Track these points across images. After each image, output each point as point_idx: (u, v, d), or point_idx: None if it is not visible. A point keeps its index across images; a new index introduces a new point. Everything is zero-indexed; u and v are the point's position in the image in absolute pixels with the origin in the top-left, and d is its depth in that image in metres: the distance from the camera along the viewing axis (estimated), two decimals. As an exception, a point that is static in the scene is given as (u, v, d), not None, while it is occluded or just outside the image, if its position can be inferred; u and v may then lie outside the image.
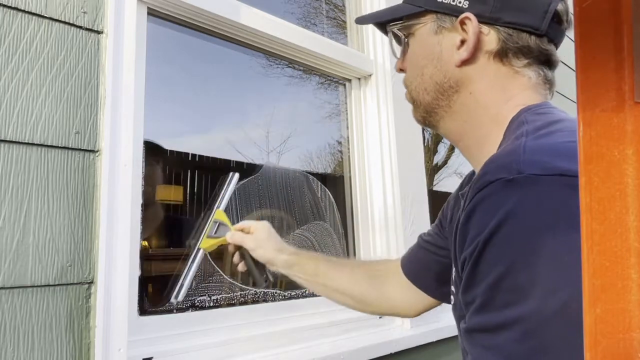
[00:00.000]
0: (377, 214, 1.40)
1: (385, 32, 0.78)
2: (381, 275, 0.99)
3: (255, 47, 1.25)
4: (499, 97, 0.65)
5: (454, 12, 0.65)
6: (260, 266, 0.93)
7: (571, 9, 0.27)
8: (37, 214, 0.75)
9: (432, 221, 1.46)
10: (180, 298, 0.92)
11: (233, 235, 0.96)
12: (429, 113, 0.71)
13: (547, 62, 0.67)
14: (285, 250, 0.95)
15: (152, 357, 0.87)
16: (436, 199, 1.65)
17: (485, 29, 0.64)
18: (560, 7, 0.64)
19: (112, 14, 0.86)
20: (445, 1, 0.66)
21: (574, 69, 0.26)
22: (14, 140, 0.74)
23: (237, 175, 1.06)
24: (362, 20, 0.82)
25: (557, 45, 0.67)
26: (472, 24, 0.63)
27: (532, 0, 0.64)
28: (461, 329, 0.56)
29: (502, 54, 0.64)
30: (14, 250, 0.72)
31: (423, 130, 1.55)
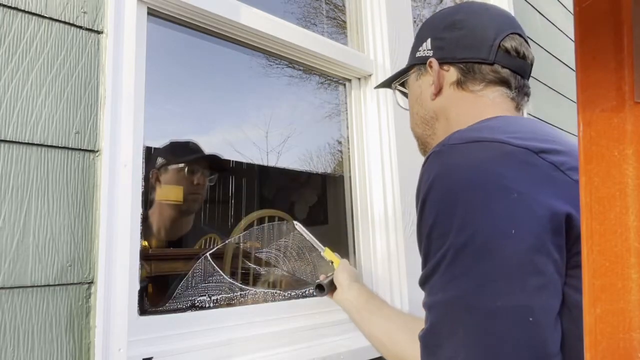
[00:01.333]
0: (377, 214, 1.40)
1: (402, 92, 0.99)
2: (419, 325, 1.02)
3: (255, 47, 1.25)
4: (469, 117, 0.78)
5: (425, 60, 0.85)
6: (330, 284, 1.09)
7: (571, 8, 0.27)
8: (37, 214, 0.75)
9: (432, 221, 1.46)
10: (297, 227, 1.24)
11: (344, 262, 1.15)
12: (424, 144, 0.90)
13: (505, 83, 0.80)
14: (360, 284, 1.08)
15: (152, 357, 0.87)
16: (436, 199, 1.65)
17: (446, 67, 0.82)
18: (507, 42, 0.79)
19: (112, 14, 0.86)
20: (419, 55, 0.86)
21: (574, 69, 0.26)
22: (14, 140, 0.74)
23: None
24: (379, 86, 1.06)
25: (518, 71, 0.80)
26: (434, 65, 0.82)
27: (478, 39, 0.80)
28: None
29: (461, 83, 0.81)
30: (14, 250, 0.72)
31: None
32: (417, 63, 0.87)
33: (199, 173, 2.20)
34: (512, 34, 0.80)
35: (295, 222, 1.25)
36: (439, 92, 0.83)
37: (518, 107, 0.82)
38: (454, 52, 0.81)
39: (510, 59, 0.80)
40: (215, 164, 2.42)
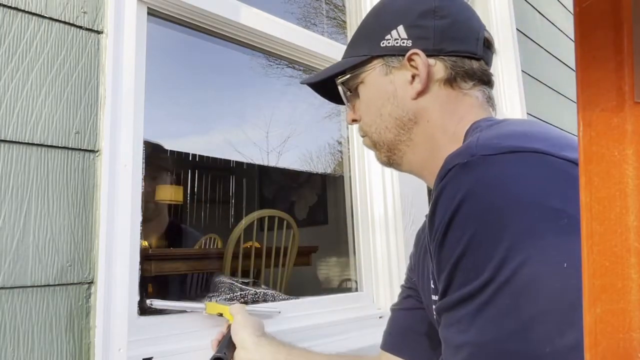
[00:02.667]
0: (377, 214, 1.40)
1: (327, 94, 0.84)
2: None
3: (255, 47, 1.25)
4: (452, 118, 0.70)
5: (399, 52, 0.71)
6: (225, 348, 0.87)
7: (571, 8, 0.27)
8: (37, 214, 0.75)
9: (432, 221, 1.46)
10: (154, 305, 0.92)
11: (235, 307, 0.93)
12: (392, 151, 0.75)
13: (488, 82, 0.73)
14: (263, 337, 0.89)
15: (152, 357, 0.87)
16: (436, 199, 1.65)
17: (431, 60, 0.70)
18: (486, 34, 0.72)
19: (112, 14, 0.86)
20: (389, 44, 0.72)
21: (574, 69, 0.26)
22: (14, 140, 0.74)
23: (278, 312, 1.06)
24: (306, 81, 0.85)
25: (489, 67, 0.74)
26: (421, 58, 0.69)
27: (464, 30, 0.71)
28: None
29: (451, 80, 0.70)
30: (14, 250, 0.72)
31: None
32: (384, 54, 0.72)
33: (157, 175, 2.13)
34: (484, 26, 0.74)
35: (149, 302, 0.94)
36: (424, 90, 0.70)
37: (493, 108, 0.74)
38: (440, 43, 0.70)
39: (489, 54, 0.74)
40: (163, 165, 2.35)
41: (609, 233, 0.24)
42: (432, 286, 0.68)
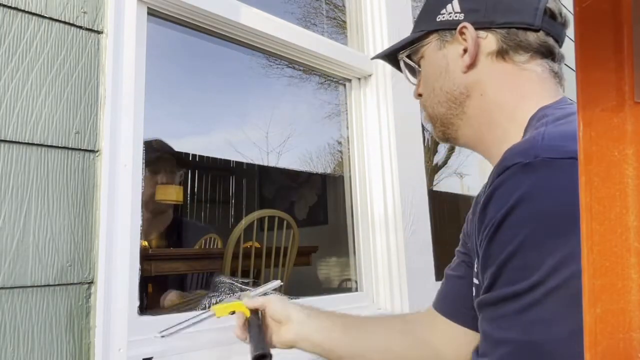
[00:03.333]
0: (377, 214, 1.40)
1: (398, 67, 0.85)
2: (419, 326, 0.88)
3: (255, 47, 1.25)
4: (511, 95, 0.68)
5: (452, 26, 0.72)
6: (263, 337, 0.82)
7: (571, 8, 0.26)
8: (37, 214, 0.75)
9: (432, 221, 1.46)
10: (166, 334, 0.88)
11: (251, 299, 0.89)
12: (446, 125, 0.76)
13: (550, 54, 0.70)
14: (307, 308, 0.87)
15: (152, 357, 0.87)
16: (436, 199, 1.65)
17: (482, 33, 0.70)
18: (550, 4, 0.69)
19: (112, 14, 0.86)
20: (443, 19, 0.73)
21: (574, 69, 0.26)
22: (14, 140, 0.74)
23: (279, 282, 1.02)
24: (376, 56, 0.89)
25: (558, 40, 0.71)
26: (469, 31, 0.69)
27: (520, 1, 0.69)
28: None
29: (502, 53, 0.69)
30: (14, 250, 0.72)
31: (423, 130, 1.55)
32: (439, 29, 0.74)
33: (161, 173, 2.15)
34: None
35: (161, 334, 0.89)
36: (473, 63, 0.70)
37: (561, 84, 0.71)
38: (492, 15, 0.69)
39: (555, 25, 0.70)
40: (179, 160, 2.37)
41: (609, 233, 0.24)
42: (475, 270, 0.67)
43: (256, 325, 0.84)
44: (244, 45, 1.23)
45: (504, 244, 0.52)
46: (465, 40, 0.70)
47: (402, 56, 0.80)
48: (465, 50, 0.70)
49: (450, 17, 0.72)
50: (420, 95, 0.80)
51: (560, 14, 0.71)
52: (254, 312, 0.87)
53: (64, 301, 0.75)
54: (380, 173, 1.40)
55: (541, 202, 0.50)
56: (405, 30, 1.52)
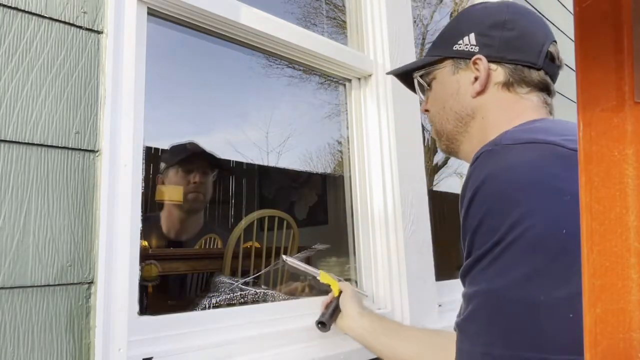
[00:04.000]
0: (377, 214, 1.40)
1: (409, 85, 0.96)
2: (451, 338, 0.97)
3: (255, 47, 1.25)
4: (506, 117, 0.78)
5: (467, 55, 0.82)
6: (333, 314, 1.06)
7: (571, 8, 0.27)
8: (37, 214, 0.75)
9: (432, 221, 1.46)
10: (287, 260, 1.18)
11: (344, 284, 1.12)
12: (451, 140, 0.87)
13: (547, 89, 0.82)
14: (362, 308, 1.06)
15: (152, 357, 0.87)
16: (436, 199, 1.65)
17: (493, 66, 0.80)
18: (551, 48, 0.81)
19: (112, 14, 0.86)
20: (460, 49, 0.83)
21: (574, 69, 0.26)
22: (14, 140, 0.74)
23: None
24: (391, 72, 1.00)
25: (553, 78, 0.83)
26: (483, 63, 0.80)
27: (528, 42, 0.80)
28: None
29: (508, 84, 0.80)
30: (14, 250, 0.72)
31: (423, 130, 1.56)
32: (454, 56, 0.84)
33: (194, 172, 2.19)
34: (553, 41, 0.82)
35: (284, 257, 1.21)
36: (482, 90, 0.81)
37: (551, 113, 0.83)
38: (503, 52, 0.79)
39: (553, 67, 0.82)
40: (212, 161, 2.42)
41: (609, 233, 0.24)
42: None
43: (334, 305, 1.08)
44: (244, 45, 1.23)
45: (473, 216, 0.63)
46: (477, 69, 0.81)
47: (417, 75, 0.91)
48: (476, 79, 0.81)
49: (466, 48, 0.82)
50: (427, 110, 0.91)
51: (558, 57, 0.82)
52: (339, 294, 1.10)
53: (64, 301, 0.75)
54: (380, 173, 1.40)
55: (500, 178, 0.62)
56: (405, 31, 1.52)
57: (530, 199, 0.59)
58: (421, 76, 0.90)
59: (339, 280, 1.14)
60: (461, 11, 0.90)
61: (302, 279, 1.30)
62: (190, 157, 2.24)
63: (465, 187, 0.66)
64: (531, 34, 0.81)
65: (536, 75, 0.79)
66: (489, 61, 0.80)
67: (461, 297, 0.66)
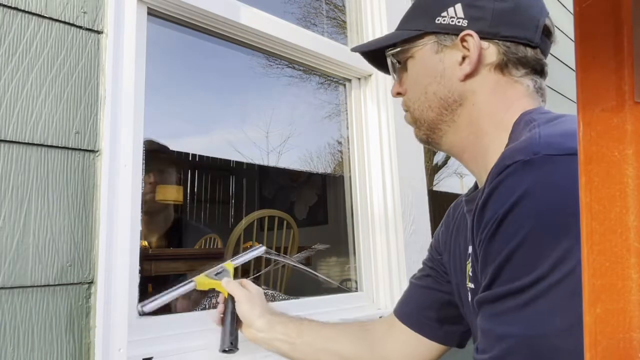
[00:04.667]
0: (377, 214, 1.40)
1: (378, 64, 0.82)
2: (375, 331, 0.91)
3: (255, 47, 1.25)
4: (500, 105, 0.68)
5: (454, 31, 0.69)
6: (234, 329, 0.87)
7: (571, 8, 0.27)
8: (37, 214, 0.75)
9: (432, 221, 1.46)
10: (147, 310, 0.88)
11: (229, 283, 0.92)
12: (432, 130, 0.74)
13: (541, 72, 0.70)
14: (270, 314, 0.90)
15: (152, 357, 0.87)
16: (436, 199, 1.65)
17: (484, 43, 0.67)
18: (547, 21, 0.69)
19: (112, 14, 0.86)
20: (444, 22, 0.69)
21: (574, 69, 0.26)
22: (14, 140, 0.74)
23: (264, 248, 1.06)
24: (357, 49, 0.83)
25: (545, 57, 0.72)
26: (474, 40, 0.67)
27: (524, 16, 0.68)
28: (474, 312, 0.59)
29: (502, 66, 0.68)
30: (14, 250, 0.72)
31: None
32: (438, 32, 0.70)
33: (149, 172, 2.14)
34: (547, 13, 0.71)
35: (140, 307, 0.89)
36: (472, 72, 0.68)
37: (544, 99, 0.72)
38: (497, 27, 0.67)
39: (547, 43, 0.70)
40: (170, 158, 2.34)
41: (609, 233, 0.24)
42: (470, 274, 0.68)
43: (230, 312, 0.88)
44: (244, 45, 1.23)
45: (505, 241, 0.52)
46: (466, 48, 0.68)
47: (390, 52, 0.77)
48: (464, 58, 0.68)
49: (452, 21, 0.69)
50: (399, 94, 0.78)
51: (553, 31, 0.71)
52: (231, 296, 0.90)
53: (64, 301, 0.75)
54: (380, 173, 1.40)
55: (543, 198, 0.50)
56: (405, 30, 1.52)
57: (578, 231, 0.52)
58: (395, 54, 0.76)
59: (221, 279, 0.93)
60: None
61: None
62: (150, 157, 2.18)
63: (487, 200, 0.54)
64: (528, 5, 0.69)
65: (532, 54, 0.68)
66: (481, 38, 0.67)
67: (479, 328, 0.56)
